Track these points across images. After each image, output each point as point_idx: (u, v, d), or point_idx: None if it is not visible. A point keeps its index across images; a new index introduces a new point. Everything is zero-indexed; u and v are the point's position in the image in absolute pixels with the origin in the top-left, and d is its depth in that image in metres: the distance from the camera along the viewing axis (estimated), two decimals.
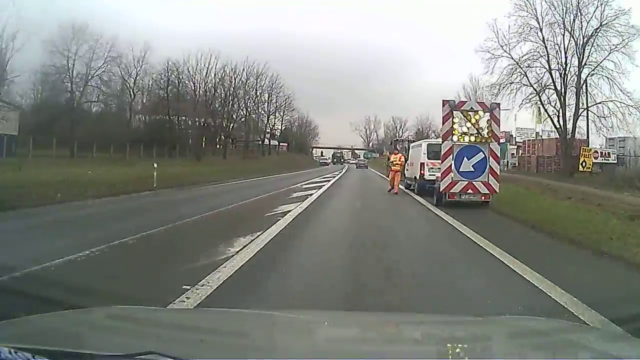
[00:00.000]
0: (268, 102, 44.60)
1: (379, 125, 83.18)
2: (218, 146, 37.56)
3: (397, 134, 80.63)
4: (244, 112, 40.87)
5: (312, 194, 11.15)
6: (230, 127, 38.34)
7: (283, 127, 49.98)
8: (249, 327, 1.61)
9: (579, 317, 2.89)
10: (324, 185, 14.64)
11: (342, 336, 1.61)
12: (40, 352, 1.05)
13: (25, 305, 2.45)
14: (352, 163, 67.85)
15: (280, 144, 52.62)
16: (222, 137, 38.45)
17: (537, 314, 2.51)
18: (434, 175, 10.34)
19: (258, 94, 42.37)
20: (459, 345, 1.49)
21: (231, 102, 38.56)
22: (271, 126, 46.36)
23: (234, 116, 39.11)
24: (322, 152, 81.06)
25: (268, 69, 41.71)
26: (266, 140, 47.16)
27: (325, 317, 1.94)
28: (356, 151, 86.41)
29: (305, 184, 14.79)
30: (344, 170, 31.02)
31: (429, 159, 11.65)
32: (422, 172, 11.76)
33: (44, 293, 2.95)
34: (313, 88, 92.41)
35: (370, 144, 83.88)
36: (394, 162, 12.81)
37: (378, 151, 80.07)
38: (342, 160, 68.19)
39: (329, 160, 61.20)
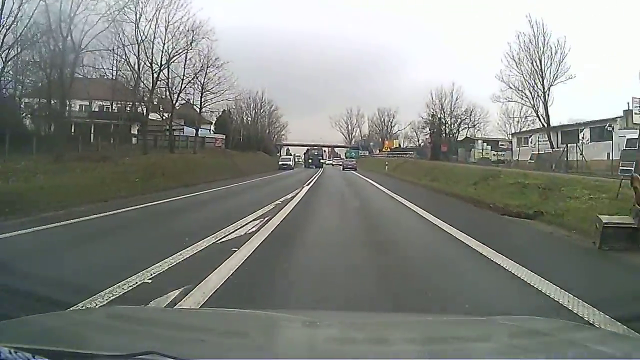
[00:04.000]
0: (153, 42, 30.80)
1: (362, 119, 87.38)
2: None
3: (385, 129, 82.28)
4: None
5: None
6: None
7: (202, 102, 38.61)
8: (249, 327, 2.05)
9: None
10: None
11: (341, 336, 2.01)
12: (40, 352, 1.30)
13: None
14: (328, 164, 64.39)
15: (209, 135, 45.95)
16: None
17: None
18: None
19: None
20: (459, 345, 1.85)
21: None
22: (169, 91, 33.85)
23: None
24: (287, 150, 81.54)
25: None
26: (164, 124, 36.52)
27: (325, 317, 2.45)
28: (336, 149, 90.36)
29: None
30: (308, 185, 23.19)
31: None
32: None
33: None
34: (291, 85, 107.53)
35: (353, 141, 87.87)
36: None
37: (364, 148, 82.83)
38: (319, 159, 64.13)
39: (292, 162, 57.35)
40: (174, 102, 34.14)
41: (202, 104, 37.48)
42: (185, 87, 34.34)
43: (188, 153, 34.50)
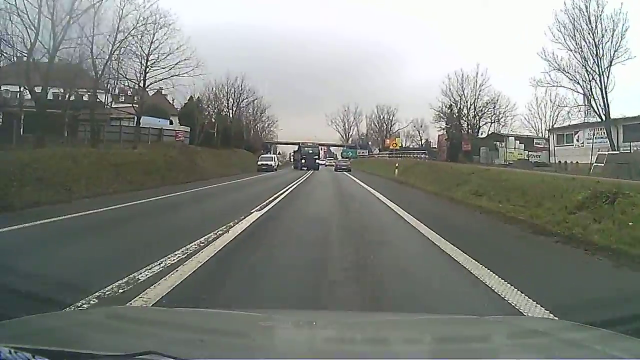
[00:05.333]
0: None
1: (360, 118, 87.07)
2: None
3: (385, 127, 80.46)
4: None
5: None
6: None
7: (147, 77, 31.44)
8: (249, 327, 2.15)
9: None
10: None
11: (341, 336, 2.13)
12: (40, 352, 1.36)
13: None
14: (321, 164, 60.87)
15: (168, 127, 39.08)
16: None
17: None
18: None
19: None
20: (459, 345, 1.95)
21: None
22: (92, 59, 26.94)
23: None
24: (273, 149, 76.79)
25: None
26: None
27: (325, 317, 2.57)
28: (332, 149, 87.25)
29: None
30: (271, 203, 14.60)
31: None
32: None
33: None
34: (289, 83, 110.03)
35: (350, 141, 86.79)
36: None
37: (362, 147, 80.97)
38: (315, 159, 54.77)
39: (274, 162, 49.35)
40: (99, 75, 25.52)
41: (147, 79, 31.07)
42: (114, 52, 25.69)
43: (127, 148, 28.21)
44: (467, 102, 45.49)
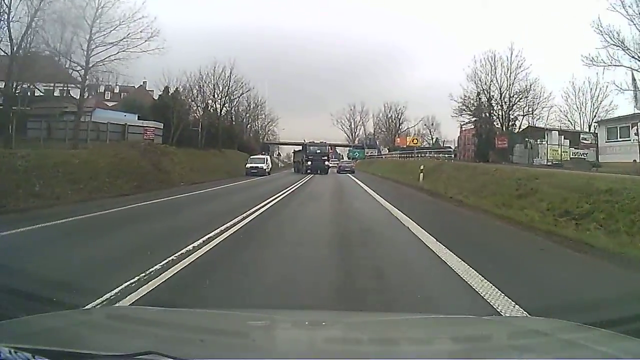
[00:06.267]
0: None
1: (366, 117, 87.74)
2: None
3: (394, 125, 79.31)
4: None
5: None
6: None
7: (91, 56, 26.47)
8: (249, 327, 2.21)
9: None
10: None
11: (342, 336, 2.19)
12: (40, 352, 1.38)
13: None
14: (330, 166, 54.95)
15: (134, 123, 33.98)
16: None
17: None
18: None
19: None
20: (459, 345, 2.02)
21: None
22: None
23: None
24: (274, 150, 75.99)
25: None
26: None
27: (325, 317, 2.61)
28: (337, 149, 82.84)
29: None
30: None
31: None
32: None
33: None
34: (293, 84, 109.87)
35: (357, 141, 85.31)
36: None
37: (369, 147, 78.09)
38: (324, 160, 47.09)
39: (266, 165, 43.84)
40: (14, 49, 20.00)
41: (92, 55, 25.00)
42: (36, 16, 20.88)
43: (63, 148, 23.13)
44: (499, 88, 37.79)
